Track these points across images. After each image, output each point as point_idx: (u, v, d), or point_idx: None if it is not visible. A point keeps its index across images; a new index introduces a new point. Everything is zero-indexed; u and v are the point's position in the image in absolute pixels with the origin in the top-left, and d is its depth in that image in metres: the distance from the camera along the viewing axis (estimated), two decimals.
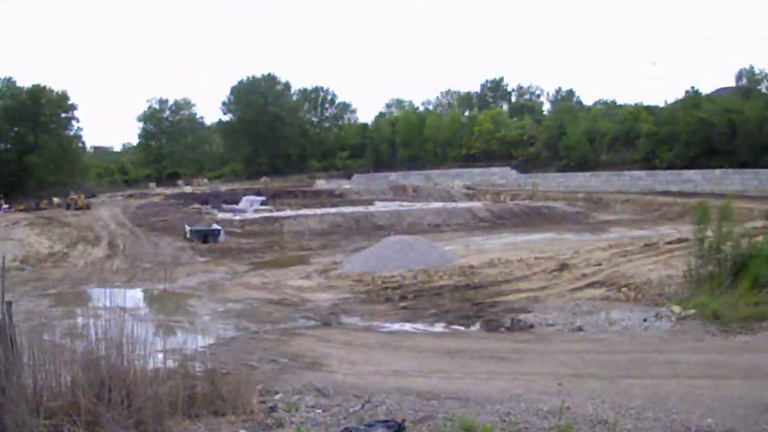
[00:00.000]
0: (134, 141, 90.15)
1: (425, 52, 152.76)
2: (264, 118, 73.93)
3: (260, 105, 74.63)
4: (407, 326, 14.23)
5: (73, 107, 63.47)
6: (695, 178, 46.36)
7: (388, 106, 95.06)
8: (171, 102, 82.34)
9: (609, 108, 69.33)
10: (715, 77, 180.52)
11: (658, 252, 21.14)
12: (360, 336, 13.17)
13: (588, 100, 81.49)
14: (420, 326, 14.19)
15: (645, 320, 12.84)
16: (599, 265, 19.39)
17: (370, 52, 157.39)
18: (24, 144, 58.50)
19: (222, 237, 31.06)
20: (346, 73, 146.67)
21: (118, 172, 78.50)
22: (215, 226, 32.80)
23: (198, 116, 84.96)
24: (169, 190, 57.67)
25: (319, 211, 40.26)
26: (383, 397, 6.96)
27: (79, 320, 6.47)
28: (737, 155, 46.72)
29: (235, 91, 78.40)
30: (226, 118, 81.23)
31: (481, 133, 66.78)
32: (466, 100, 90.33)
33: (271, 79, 78.34)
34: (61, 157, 61.05)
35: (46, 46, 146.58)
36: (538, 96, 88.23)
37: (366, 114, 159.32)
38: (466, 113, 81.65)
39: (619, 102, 71.79)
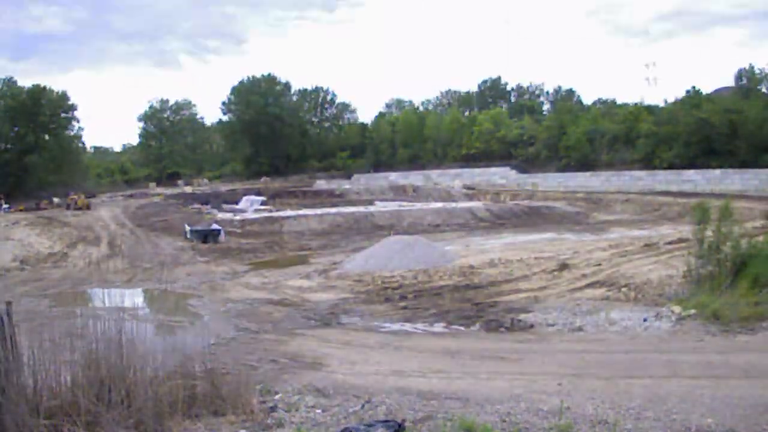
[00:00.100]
0: (134, 141, 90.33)
1: (425, 52, 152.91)
2: (264, 118, 73.92)
3: (260, 105, 74.61)
4: (407, 326, 14.22)
5: (73, 107, 63.53)
6: (695, 178, 46.35)
7: (388, 106, 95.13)
8: (171, 102, 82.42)
9: (609, 108, 69.28)
10: (715, 77, 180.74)
11: (658, 252, 21.14)
12: (360, 336, 13.17)
13: (588, 100, 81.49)
14: (420, 326, 14.19)
15: (645, 320, 12.84)
16: (599, 265, 19.39)
17: (370, 52, 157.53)
18: (24, 144, 58.51)
19: (222, 237, 31.07)
20: (346, 73, 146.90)
21: (118, 172, 78.52)
22: (215, 226, 32.81)
23: (198, 116, 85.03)
24: (169, 190, 57.69)
25: (319, 211, 40.26)
26: (383, 397, 6.96)
27: (79, 320, 6.47)
28: (737, 155, 46.69)
29: (235, 91, 78.40)
30: (226, 118, 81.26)
31: (481, 133, 66.76)
32: (465, 100, 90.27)
33: (271, 79, 78.35)
34: (61, 157, 61.08)
35: (46, 46, 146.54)
36: (538, 96, 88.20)
37: (366, 114, 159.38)
38: (466, 113, 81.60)
39: (619, 102, 71.82)
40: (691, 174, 47.02)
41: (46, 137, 61.00)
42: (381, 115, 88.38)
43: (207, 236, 30.60)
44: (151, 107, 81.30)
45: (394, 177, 63.98)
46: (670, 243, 22.49)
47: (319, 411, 6.45)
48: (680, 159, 49.61)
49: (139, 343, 6.23)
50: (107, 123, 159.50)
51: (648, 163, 52.09)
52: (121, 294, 19.13)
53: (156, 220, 37.81)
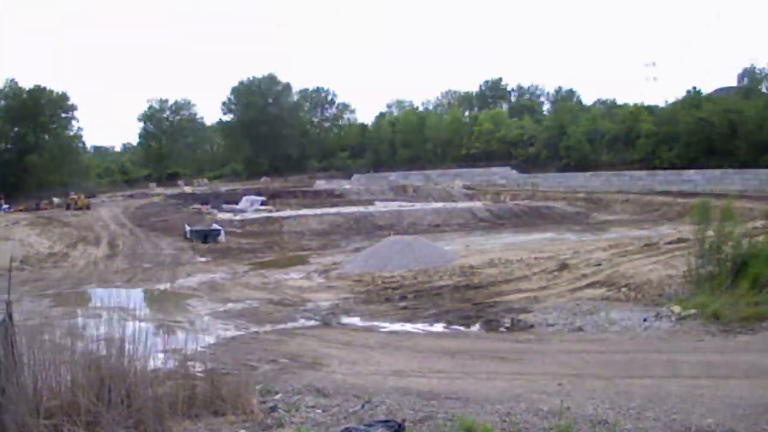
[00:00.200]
0: (134, 141, 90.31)
1: (425, 53, 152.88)
2: (264, 118, 73.93)
3: (260, 105, 74.63)
4: (407, 326, 14.22)
5: (73, 107, 63.60)
6: (695, 178, 46.35)
7: (388, 106, 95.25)
8: (171, 102, 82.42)
9: (609, 108, 69.34)
10: (715, 77, 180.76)
11: (658, 252, 21.12)
12: (360, 336, 13.17)
13: (588, 100, 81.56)
14: (420, 326, 14.19)
15: (645, 320, 12.84)
16: (599, 265, 19.38)
17: (371, 52, 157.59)
18: (24, 144, 58.55)
19: (222, 237, 31.06)
20: (346, 74, 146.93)
21: (118, 172, 78.55)
22: (215, 226, 32.80)
23: (198, 116, 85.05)
24: (169, 191, 57.69)
25: (319, 211, 40.25)
26: (383, 397, 6.96)
27: (79, 320, 6.47)
28: (737, 155, 46.73)
29: (235, 91, 78.43)
30: (226, 118, 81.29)
31: (481, 133, 66.78)
32: (466, 100, 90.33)
33: (271, 79, 78.37)
34: (61, 157, 61.12)
35: (46, 47, 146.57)
36: (538, 96, 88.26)
37: (366, 114, 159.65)
38: (466, 113, 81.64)
39: (619, 102, 71.85)
40: (691, 174, 47.03)
41: (46, 137, 61.02)
42: (381, 115, 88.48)
43: (207, 236, 30.59)
44: (150, 107, 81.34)
45: (394, 177, 63.96)
46: (670, 243, 22.47)
47: (319, 411, 6.45)
48: (680, 159, 49.64)
49: (139, 343, 6.23)
50: (107, 123, 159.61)
51: (648, 163, 52.12)
52: (121, 294, 19.18)
53: (156, 220, 37.81)
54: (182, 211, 42.13)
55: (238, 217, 38.34)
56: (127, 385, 5.57)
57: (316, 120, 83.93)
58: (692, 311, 12.50)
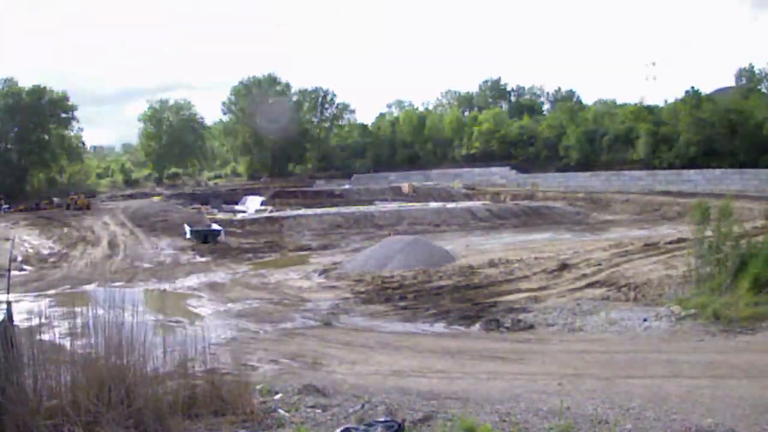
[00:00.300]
0: (134, 141, 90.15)
1: (425, 53, 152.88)
2: (264, 118, 73.81)
3: (260, 105, 74.51)
4: (407, 326, 14.23)
5: (73, 107, 63.37)
6: (695, 178, 46.34)
7: (388, 106, 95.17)
8: (171, 102, 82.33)
9: (609, 108, 69.29)
10: (715, 77, 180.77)
11: (658, 252, 21.15)
12: (360, 336, 13.17)
13: (588, 100, 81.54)
14: (420, 326, 14.19)
15: (645, 320, 12.84)
16: (599, 265, 19.39)
17: (371, 52, 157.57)
18: (24, 144, 58.47)
19: (222, 237, 31.05)
20: (346, 74, 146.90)
21: (118, 172, 78.48)
22: (215, 226, 32.80)
23: (198, 116, 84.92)
24: (169, 191, 57.67)
25: (319, 211, 40.25)
26: (383, 397, 6.96)
27: (79, 320, 6.47)
28: (737, 155, 46.71)
29: (235, 91, 78.36)
30: (226, 118, 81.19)
31: (481, 133, 66.76)
32: (466, 100, 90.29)
33: (271, 79, 78.30)
34: (61, 157, 61.03)
35: (46, 47, 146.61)
36: (538, 96, 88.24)
37: (366, 114, 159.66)
38: (466, 113, 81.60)
39: (619, 102, 71.82)
40: (691, 174, 47.02)
41: (46, 137, 60.92)
42: (381, 115, 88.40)
43: (207, 236, 30.58)
44: (150, 107, 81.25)
45: (394, 177, 63.92)
46: (670, 243, 22.50)
47: (319, 411, 6.45)
48: (680, 159, 49.61)
49: (138, 343, 6.23)
50: (107, 123, 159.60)
51: (648, 163, 52.09)
52: (121, 294, 19.16)
53: (156, 220, 37.78)
54: (182, 211, 42.11)
55: (238, 217, 38.34)
56: (127, 385, 5.56)
57: (316, 120, 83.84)
58: (692, 311, 12.51)
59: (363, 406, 6.58)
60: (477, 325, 13.83)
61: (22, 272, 23.89)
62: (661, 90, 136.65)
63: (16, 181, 56.50)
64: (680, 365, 9.26)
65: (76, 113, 63.67)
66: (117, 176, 76.02)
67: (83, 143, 71.81)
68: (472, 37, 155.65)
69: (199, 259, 26.59)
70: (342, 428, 5.70)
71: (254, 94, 75.72)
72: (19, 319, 6.14)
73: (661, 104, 61.97)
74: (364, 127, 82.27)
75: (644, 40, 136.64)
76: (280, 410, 6.38)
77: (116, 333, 6.06)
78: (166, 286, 20.86)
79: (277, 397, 7.04)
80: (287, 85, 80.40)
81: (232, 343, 12.32)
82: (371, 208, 41.39)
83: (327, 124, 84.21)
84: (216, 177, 75.60)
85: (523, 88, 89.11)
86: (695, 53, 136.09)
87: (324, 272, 22.09)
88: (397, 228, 33.17)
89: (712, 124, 47.94)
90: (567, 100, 79.66)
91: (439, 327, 14.09)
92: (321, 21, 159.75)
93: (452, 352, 11.21)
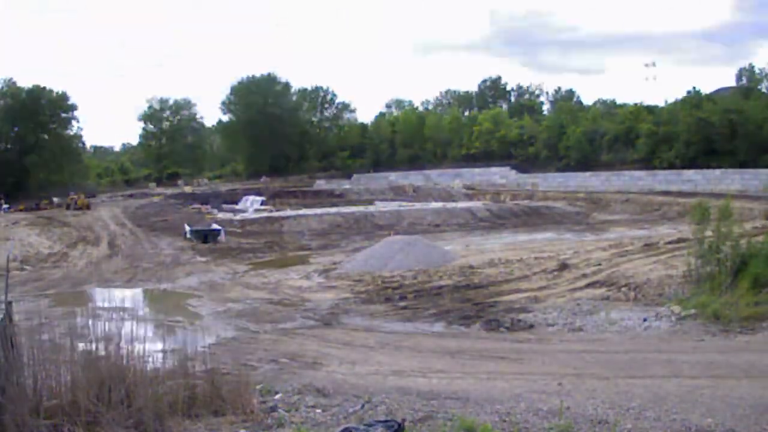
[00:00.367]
0: (134, 141, 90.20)
1: (425, 53, 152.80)
2: (264, 118, 73.86)
3: (260, 105, 74.55)
4: (407, 326, 14.23)
5: (73, 107, 63.38)
6: (695, 178, 46.33)
7: (388, 106, 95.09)
8: (171, 102, 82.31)
9: (609, 108, 69.27)
10: (715, 77, 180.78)
11: (658, 252, 21.13)
12: (360, 336, 13.17)
13: (588, 100, 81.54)
14: (420, 326, 14.19)
15: (645, 320, 12.85)
16: (599, 265, 19.38)
17: (371, 52, 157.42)
18: (24, 144, 58.46)
19: (222, 237, 31.05)
20: (345, 73, 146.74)
21: (118, 172, 78.49)
22: (215, 226, 32.78)
23: (198, 116, 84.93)
24: (169, 190, 57.65)
25: (319, 211, 40.24)
26: (383, 397, 6.96)
27: (79, 320, 6.47)
28: (737, 155, 46.69)
29: (235, 91, 78.35)
30: (226, 118, 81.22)
31: (481, 133, 66.75)
32: (465, 100, 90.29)
33: (271, 79, 78.26)
34: (61, 157, 61.01)
35: (46, 46, 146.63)
36: (538, 96, 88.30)
37: (366, 114, 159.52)
38: (466, 113, 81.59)
39: (619, 102, 71.81)
40: (691, 174, 47.00)
41: (46, 137, 60.92)
42: (381, 115, 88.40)
43: (207, 236, 30.58)
44: (150, 107, 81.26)
45: (394, 177, 63.91)
46: (670, 243, 22.48)
47: (319, 411, 6.45)
48: (680, 159, 49.60)
49: (138, 343, 6.23)
50: (107, 123, 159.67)
51: (648, 163, 52.07)
52: (121, 294, 19.20)
53: (156, 220, 37.80)
54: (182, 211, 42.11)
55: (238, 217, 38.32)
56: (127, 385, 5.56)
57: (316, 120, 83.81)
58: (692, 311, 12.51)
59: (363, 406, 6.58)
60: (477, 325, 13.83)
61: (22, 272, 23.89)
62: (661, 90, 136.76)
63: (16, 181, 56.49)
64: (680, 365, 9.26)
65: (75, 113, 63.79)
66: (117, 176, 76.04)
67: (83, 143, 71.92)
68: (472, 37, 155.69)
69: (199, 259, 26.58)
70: (342, 428, 5.70)
71: (254, 94, 75.72)
72: (18, 319, 6.14)
73: (661, 104, 62.03)
74: (364, 126, 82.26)
75: (644, 40, 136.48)
76: (280, 410, 6.38)
77: (116, 333, 6.06)
78: (166, 286, 20.87)
79: (277, 396, 7.05)
80: (287, 85, 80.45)
81: (231, 343, 12.32)
82: (371, 208, 41.39)
83: (327, 124, 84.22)
84: (216, 177, 75.55)
85: (523, 88, 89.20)
86: (695, 53, 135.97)
87: (324, 272, 22.09)
88: (397, 228, 33.16)
89: (712, 124, 47.92)
90: (567, 100, 79.67)
91: (439, 327, 14.09)
92: (321, 21, 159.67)
93: (452, 351, 11.21)
